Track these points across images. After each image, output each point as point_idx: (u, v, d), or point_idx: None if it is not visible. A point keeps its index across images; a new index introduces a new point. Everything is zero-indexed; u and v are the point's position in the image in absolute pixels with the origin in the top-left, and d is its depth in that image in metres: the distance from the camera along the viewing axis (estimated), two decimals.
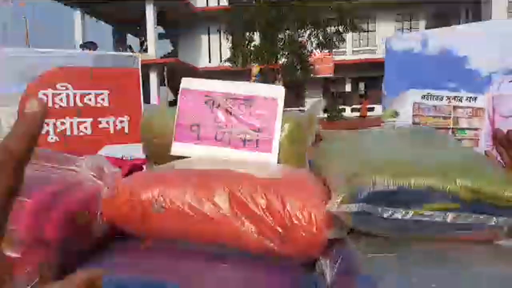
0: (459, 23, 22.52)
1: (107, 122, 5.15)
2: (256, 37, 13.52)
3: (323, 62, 15.98)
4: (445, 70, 5.55)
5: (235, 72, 18.70)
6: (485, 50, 5.17)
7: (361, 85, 21.85)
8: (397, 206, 0.77)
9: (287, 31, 12.73)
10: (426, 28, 22.73)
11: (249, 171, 0.92)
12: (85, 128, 4.13)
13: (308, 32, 13.01)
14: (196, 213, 0.85)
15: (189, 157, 1.11)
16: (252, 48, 13.31)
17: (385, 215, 0.77)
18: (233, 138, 1.12)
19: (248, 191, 0.85)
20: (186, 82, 1.17)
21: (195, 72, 21.65)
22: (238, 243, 0.86)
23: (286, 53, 13.00)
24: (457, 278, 0.67)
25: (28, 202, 0.74)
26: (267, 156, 1.10)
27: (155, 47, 20.36)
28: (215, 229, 0.86)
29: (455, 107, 5.70)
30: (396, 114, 5.87)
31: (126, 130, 5.19)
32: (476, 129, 3.93)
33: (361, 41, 22.85)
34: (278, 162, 1.12)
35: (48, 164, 0.89)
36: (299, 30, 12.90)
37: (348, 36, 17.16)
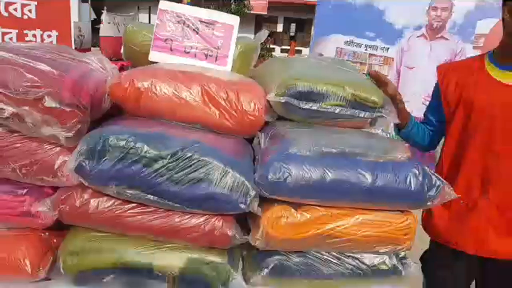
0: None
1: (34, 35, 4.98)
2: None
3: None
4: (367, 20, 6.14)
5: None
6: (401, 6, 5.80)
7: (292, 27, 22.20)
8: (309, 101, 1.24)
9: None
10: None
11: (215, 75, 1.32)
12: (10, 39, 4.06)
13: None
14: (178, 98, 1.25)
15: (161, 63, 1.47)
16: None
17: (301, 106, 1.24)
18: (198, 52, 1.50)
19: (214, 87, 1.27)
20: (163, 4, 1.49)
21: None
22: (206, 122, 1.28)
23: None
24: (328, 136, 1.20)
25: (68, 77, 1.08)
26: (223, 68, 1.50)
27: None
28: (190, 111, 1.26)
29: (370, 55, 6.39)
30: (320, 55, 6.44)
31: None
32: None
33: None
34: None
35: (66, 55, 1.21)
36: None
37: None
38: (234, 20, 1.52)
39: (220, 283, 1.16)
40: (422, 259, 1.57)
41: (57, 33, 4.67)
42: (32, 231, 1.18)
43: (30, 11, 4.60)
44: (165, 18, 1.49)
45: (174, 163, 1.07)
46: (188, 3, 13.93)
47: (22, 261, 1.11)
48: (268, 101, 1.28)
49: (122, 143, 1.06)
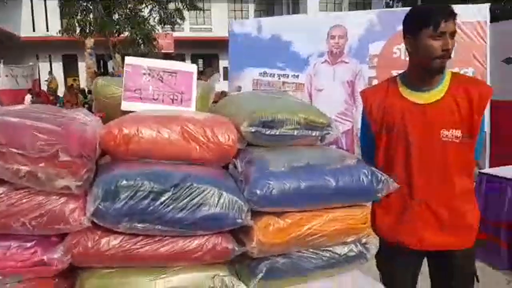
0: (282, 8, 25.71)
1: None
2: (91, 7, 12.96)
3: (165, 38, 16.27)
4: (276, 52, 6.81)
5: (64, 43, 17.30)
6: (304, 37, 6.57)
7: (200, 62, 22.81)
8: (272, 128, 1.52)
9: (129, 6, 12.64)
10: (256, 11, 24.97)
11: (189, 115, 1.54)
12: None
13: (149, 7, 13.18)
14: (161, 138, 1.43)
15: (135, 111, 1.64)
16: (91, 20, 12.72)
17: (267, 133, 1.50)
18: (165, 98, 1.70)
19: (192, 125, 1.47)
20: (129, 60, 1.67)
21: (17, 42, 18.99)
22: (187, 156, 1.47)
23: (129, 27, 12.90)
24: (293, 154, 1.47)
25: (72, 132, 1.22)
26: (189, 109, 1.71)
27: None
28: (174, 148, 1.45)
29: (283, 83, 7.06)
30: (239, 88, 6.97)
31: None
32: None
33: (197, 19, 23.72)
34: None
35: (58, 114, 1.33)
36: (139, 5, 12.96)
37: (185, 14, 17.73)
38: (192, 68, 1.75)
39: None
40: (375, 256, 1.80)
41: None
42: (43, 279, 1.25)
43: None
44: (131, 71, 1.67)
45: (177, 193, 1.26)
46: (92, 49, 13.61)
47: None
48: (238, 132, 1.52)
49: (131, 182, 1.22)
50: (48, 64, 20.22)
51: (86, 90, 13.96)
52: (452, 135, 1.58)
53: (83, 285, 1.25)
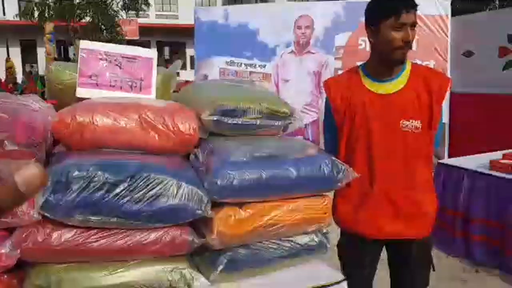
0: None
1: None
2: None
3: (129, 24, 15.75)
4: (243, 41, 6.76)
5: (22, 28, 16.46)
6: (271, 26, 6.55)
7: (166, 50, 22.32)
8: (234, 117, 1.48)
9: None
10: None
11: (148, 102, 1.48)
12: None
13: None
14: (117, 126, 1.37)
15: (90, 98, 1.56)
16: (51, 3, 12.10)
17: (229, 122, 1.47)
18: (123, 84, 1.62)
19: (151, 113, 1.42)
20: (85, 44, 1.59)
21: None
22: (146, 145, 1.42)
23: (91, 12, 12.37)
24: (255, 144, 1.45)
25: (20, 119, 1.15)
26: (148, 96, 1.65)
27: None
28: (132, 138, 1.40)
29: (251, 72, 7.02)
30: (205, 77, 6.88)
31: None
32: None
33: (164, 5, 23.17)
34: None
35: (8, 100, 1.25)
36: None
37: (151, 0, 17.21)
38: (153, 54, 1.69)
39: (186, 285, 1.31)
40: (337, 245, 1.84)
41: None
42: None
43: None
44: (87, 56, 1.59)
45: (134, 184, 1.21)
46: (51, 34, 13.08)
47: None
48: (200, 120, 1.48)
49: (84, 173, 1.16)
50: (5, 49, 19.20)
51: (45, 77, 13.35)
52: (412, 125, 1.61)
53: (34, 282, 1.18)
